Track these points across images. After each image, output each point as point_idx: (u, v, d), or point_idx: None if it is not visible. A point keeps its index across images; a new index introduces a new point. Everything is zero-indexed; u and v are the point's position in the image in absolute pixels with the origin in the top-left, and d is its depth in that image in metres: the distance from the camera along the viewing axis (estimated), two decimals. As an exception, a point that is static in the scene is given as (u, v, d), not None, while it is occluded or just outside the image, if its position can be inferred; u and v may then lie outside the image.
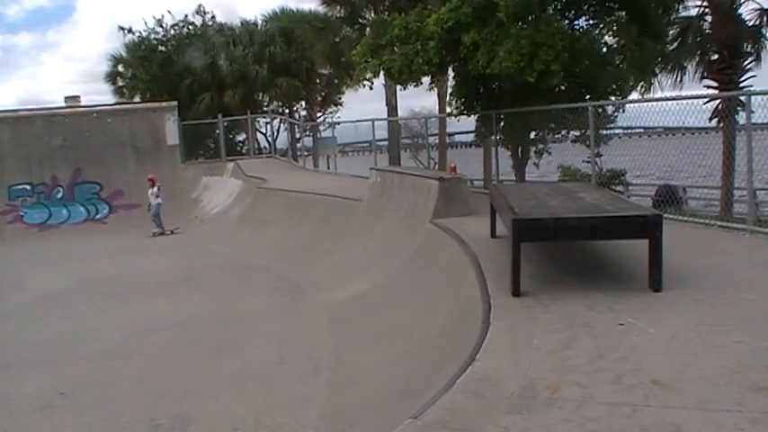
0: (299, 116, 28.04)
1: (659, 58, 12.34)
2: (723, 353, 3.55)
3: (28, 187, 17.64)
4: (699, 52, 14.53)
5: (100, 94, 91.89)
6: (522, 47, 9.22)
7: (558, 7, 10.60)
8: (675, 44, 14.18)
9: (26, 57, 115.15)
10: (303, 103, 28.61)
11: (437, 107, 23.11)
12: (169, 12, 35.41)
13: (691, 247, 6.09)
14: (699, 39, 14.07)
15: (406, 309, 6.66)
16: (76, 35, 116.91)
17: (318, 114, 28.58)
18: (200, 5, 28.28)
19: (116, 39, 54.61)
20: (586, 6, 10.82)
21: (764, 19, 14.02)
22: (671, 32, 13.69)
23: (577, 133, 11.63)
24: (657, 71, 13.66)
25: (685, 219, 7.74)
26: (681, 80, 14.90)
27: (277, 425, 4.90)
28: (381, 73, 11.77)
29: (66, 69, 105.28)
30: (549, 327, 4.16)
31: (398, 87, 17.94)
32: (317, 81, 27.84)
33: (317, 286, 8.98)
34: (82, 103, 20.86)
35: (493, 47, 9.55)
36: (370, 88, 12.10)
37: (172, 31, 26.86)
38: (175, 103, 19.59)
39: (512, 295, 4.82)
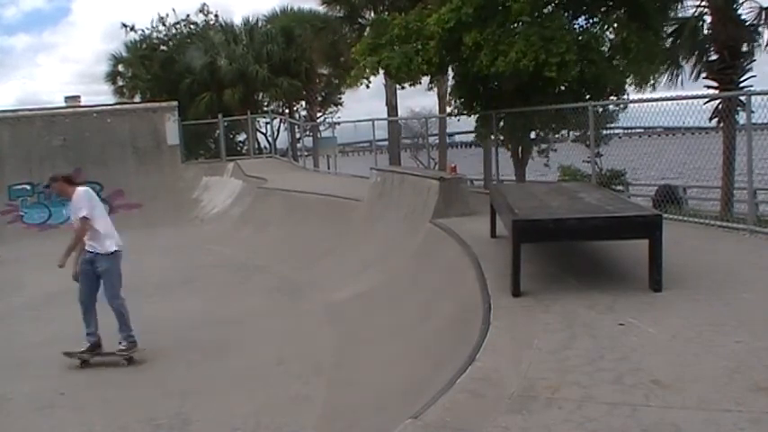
0: (299, 116, 28.06)
1: (660, 54, 12.30)
2: (723, 353, 3.55)
3: (28, 187, 17.60)
4: (696, 52, 14.53)
5: (97, 95, 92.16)
6: (534, 43, 9.21)
7: (557, 3, 10.60)
8: (672, 43, 14.18)
9: (23, 58, 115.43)
10: (303, 103, 28.64)
11: (437, 107, 23.11)
12: (173, 10, 35.51)
13: (691, 247, 6.09)
14: (698, 38, 14.06)
15: (406, 309, 6.66)
16: (72, 36, 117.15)
17: (318, 114, 28.59)
18: (203, 4, 28.40)
19: (112, 40, 54.84)
20: (585, 7, 10.83)
21: (763, 16, 14.01)
22: (668, 31, 13.69)
23: (578, 133, 11.62)
24: (659, 67, 13.63)
25: (685, 219, 7.74)
26: (678, 77, 14.92)
27: (277, 425, 4.90)
28: (381, 72, 11.76)
29: (63, 70, 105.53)
30: (549, 327, 4.16)
31: (398, 87, 17.96)
32: (317, 81, 27.87)
33: (318, 286, 8.97)
34: (82, 103, 20.86)
35: (496, 46, 9.56)
36: (367, 86, 12.08)
37: (173, 30, 26.91)
38: (176, 103, 19.58)
39: (512, 295, 4.82)
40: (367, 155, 23.24)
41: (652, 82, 13.75)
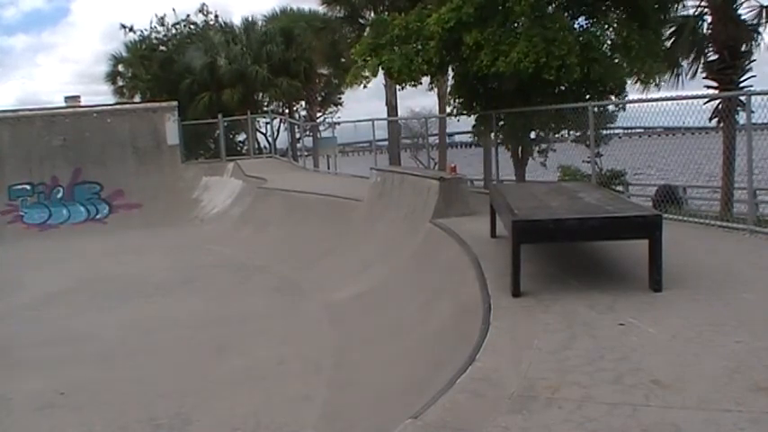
0: (299, 116, 28.07)
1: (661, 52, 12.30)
2: (723, 353, 3.55)
3: (28, 187, 17.61)
4: (695, 50, 14.54)
5: (96, 95, 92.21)
6: (536, 44, 9.21)
7: (557, 5, 10.61)
8: (671, 42, 14.18)
9: (22, 58, 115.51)
10: (303, 103, 28.64)
11: (437, 107, 23.13)
12: (173, 10, 35.52)
13: (691, 247, 6.09)
14: (692, 38, 14.07)
15: (407, 309, 6.66)
16: (72, 37, 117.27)
17: (318, 114, 28.60)
18: (203, 4, 28.42)
19: (111, 40, 54.85)
20: (584, 7, 10.83)
21: (763, 14, 14.01)
22: (667, 31, 13.70)
23: (578, 133, 11.63)
24: (661, 66, 13.63)
25: (685, 219, 7.74)
26: (679, 77, 14.93)
27: (277, 425, 4.91)
28: (380, 73, 11.75)
29: (62, 70, 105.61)
30: (549, 327, 4.16)
31: (398, 87, 17.96)
32: (317, 81, 27.87)
33: (318, 286, 8.98)
34: (82, 104, 20.86)
35: (496, 46, 9.55)
36: (365, 86, 12.05)
37: (173, 30, 26.93)
38: (175, 103, 19.58)
39: (512, 295, 4.82)
40: (367, 155, 23.21)
41: (657, 81, 13.75)
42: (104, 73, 26.99)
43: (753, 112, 6.72)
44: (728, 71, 13.43)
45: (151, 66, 25.69)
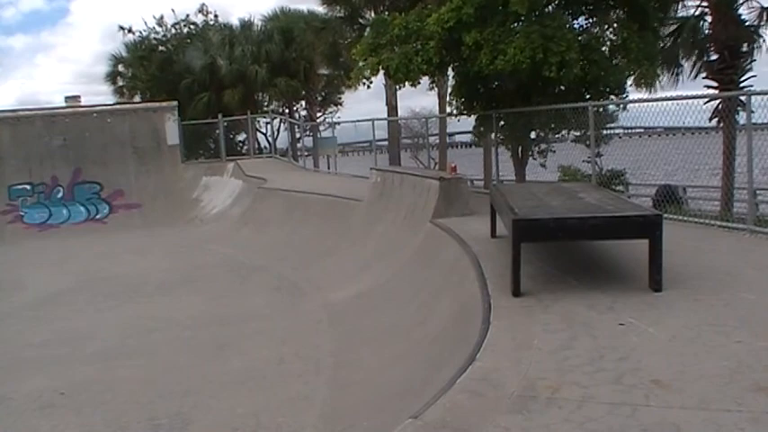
0: (299, 116, 28.07)
1: (659, 54, 12.31)
2: (723, 353, 3.55)
3: (28, 187, 17.62)
4: (696, 51, 14.56)
5: (95, 95, 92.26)
6: (534, 41, 9.21)
7: (557, 4, 10.61)
8: (671, 42, 14.20)
9: (22, 58, 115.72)
10: (303, 103, 28.65)
11: (437, 107, 23.12)
12: (172, 10, 35.47)
13: (691, 247, 6.09)
14: (692, 39, 14.08)
15: (407, 309, 6.66)
16: (71, 37, 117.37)
17: (318, 114, 28.60)
18: (202, 5, 28.41)
19: (110, 40, 54.87)
20: (584, 6, 10.83)
21: (764, 17, 14.02)
22: (667, 30, 13.71)
23: (578, 133, 11.62)
24: (659, 68, 13.63)
25: (685, 219, 7.74)
26: (677, 76, 14.94)
27: (277, 425, 4.90)
28: (381, 72, 11.75)
29: (62, 70, 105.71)
30: (549, 327, 4.16)
31: (397, 87, 17.93)
32: (317, 81, 27.87)
33: (318, 286, 8.98)
34: (82, 104, 20.86)
35: (496, 46, 9.55)
36: (368, 87, 12.05)
37: (173, 31, 26.94)
38: (176, 102, 19.59)
39: (512, 295, 4.82)
40: (367, 155, 23.19)
41: (653, 84, 13.77)
42: (104, 73, 27.12)
43: (753, 112, 6.72)
44: (729, 71, 13.45)
45: (150, 66, 25.71)
